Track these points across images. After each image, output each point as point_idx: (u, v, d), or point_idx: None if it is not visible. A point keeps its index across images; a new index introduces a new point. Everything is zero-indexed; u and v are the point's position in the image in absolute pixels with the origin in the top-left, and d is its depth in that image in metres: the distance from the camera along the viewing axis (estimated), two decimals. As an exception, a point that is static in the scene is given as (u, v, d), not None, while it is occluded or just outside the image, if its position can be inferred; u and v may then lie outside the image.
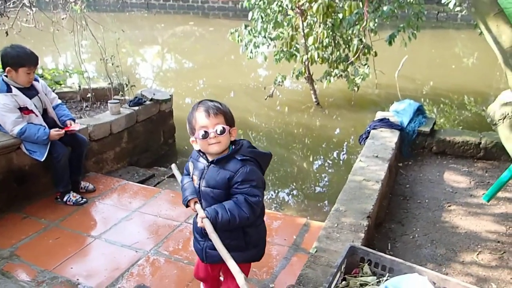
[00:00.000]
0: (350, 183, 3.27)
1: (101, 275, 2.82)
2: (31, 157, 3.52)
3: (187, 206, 2.05)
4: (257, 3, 6.99)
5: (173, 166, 2.48)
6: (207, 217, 1.88)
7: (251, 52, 7.18)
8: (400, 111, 4.51)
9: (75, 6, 5.16)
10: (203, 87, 10.03)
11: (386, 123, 4.32)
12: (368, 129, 4.38)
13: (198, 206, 1.99)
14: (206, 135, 1.89)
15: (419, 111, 4.55)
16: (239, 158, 1.92)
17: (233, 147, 1.97)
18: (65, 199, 3.68)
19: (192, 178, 2.07)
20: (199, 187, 2.00)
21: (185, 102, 8.31)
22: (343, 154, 6.33)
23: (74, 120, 3.82)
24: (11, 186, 3.60)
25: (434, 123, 4.54)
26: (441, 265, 2.77)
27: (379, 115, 4.65)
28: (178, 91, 9.27)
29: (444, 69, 11.12)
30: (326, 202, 4.97)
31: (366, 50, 6.45)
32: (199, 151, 2.01)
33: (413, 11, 6.50)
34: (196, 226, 2.05)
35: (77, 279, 2.78)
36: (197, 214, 1.97)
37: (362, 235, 2.59)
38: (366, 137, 4.21)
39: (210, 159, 1.98)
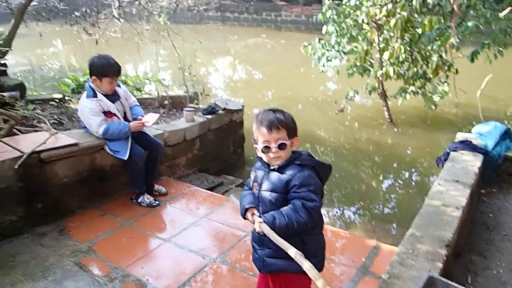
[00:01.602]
0: (427, 208, 3.10)
1: (169, 278, 2.89)
2: (115, 157, 3.72)
3: (245, 217, 2.06)
4: (332, 17, 6.93)
5: (232, 196, 2.60)
6: (264, 221, 1.89)
7: (323, 65, 7.13)
8: (484, 134, 4.23)
9: (158, 19, 5.41)
10: (271, 98, 10.10)
11: (468, 145, 4.07)
12: (448, 150, 4.14)
13: (255, 215, 2.01)
14: (267, 150, 1.95)
15: (506, 135, 4.24)
16: (297, 163, 1.96)
17: (293, 155, 2.00)
18: (139, 200, 3.84)
19: (252, 185, 2.10)
20: (258, 192, 2.03)
21: (253, 113, 8.39)
22: (416, 175, 6.07)
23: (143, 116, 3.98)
24: (93, 184, 3.81)
25: (523, 148, 4.22)
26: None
27: (460, 136, 4.39)
28: (248, 101, 9.37)
29: (531, 90, 10.38)
30: (394, 224, 4.77)
31: (446, 67, 6.17)
32: (261, 158, 2.05)
33: (501, 26, 6.13)
34: (254, 236, 2.08)
35: (147, 279, 2.86)
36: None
37: (440, 264, 2.43)
38: (445, 159, 3.98)
39: (271, 166, 2.02)
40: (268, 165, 2.03)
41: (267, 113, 1.97)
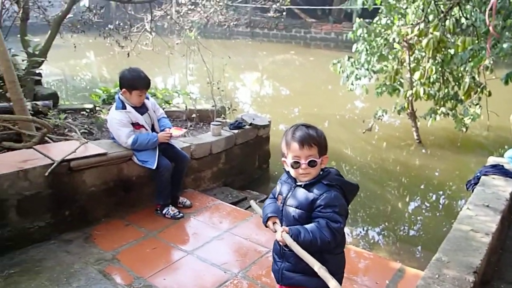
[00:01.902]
0: (455, 232, 3.02)
1: (190, 291, 2.89)
2: (143, 167, 3.78)
3: (266, 224, 2.07)
4: (362, 35, 6.91)
5: (252, 202, 2.61)
6: (288, 233, 1.89)
7: (351, 84, 7.09)
8: (517, 159, 4.12)
9: (190, 33, 5.51)
10: (298, 115, 10.09)
11: (500, 170, 3.95)
12: (478, 174, 4.03)
13: (277, 225, 2.01)
14: (297, 165, 1.94)
15: (539, 160, 4.11)
16: (325, 183, 1.95)
17: (321, 173, 1.99)
18: (164, 211, 3.87)
19: (277, 197, 2.10)
20: (283, 205, 2.03)
21: (279, 129, 8.40)
22: (444, 198, 5.93)
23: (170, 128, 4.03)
24: (119, 194, 3.87)
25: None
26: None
27: (492, 160, 4.28)
28: (274, 117, 9.38)
29: None
30: (420, 247, 4.66)
31: (479, 89, 6.05)
32: (288, 171, 2.04)
33: (538, 48, 5.98)
34: (275, 247, 2.08)
35: (168, 291, 2.87)
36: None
37: (467, 291, 2.36)
38: (476, 183, 3.88)
39: (298, 182, 2.01)
40: (295, 180, 2.03)
41: (300, 128, 1.97)
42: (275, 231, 1.98)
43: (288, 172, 2.05)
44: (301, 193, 1.98)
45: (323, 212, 1.90)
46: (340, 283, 2.05)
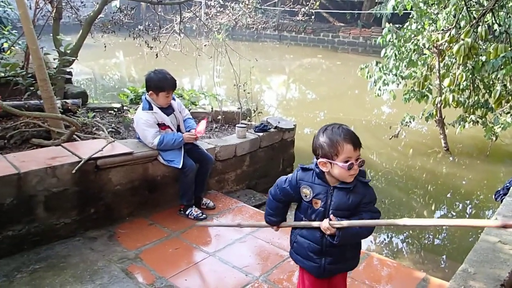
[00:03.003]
0: (482, 243, 2.94)
1: (212, 293, 2.89)
2: (169, 166, 3.81)
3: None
4: (392, 40, 6.83)
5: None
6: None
7: (379, 89, 7.01)
8: (549, 170, 3.99)
9: (218, 35, 5.55)
10: (323, 119, 10.03)
11: (530, 181, 3.85)
12: (508, 185, 3.93)
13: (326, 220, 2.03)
14: (351, 166, 1.96)
15: None
16: (362, 181, 2.07)
17: None
18: (187, 212, 3.89)
19: (312, 201, 2.09)
20: (325, 210, 2.05)
21: (304, 132, 8.36)
22: (471, 208, 5.79)
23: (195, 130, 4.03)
24: (143, 193, 3.91)
25: None
26: None
27: (522, 171, 4.16)
28: (299, 120, 9.38)
29: None
30: (444, 256, 4.57)
31: (510, 97, 5.88)
32: (320, 173, 2.06)
33: None
34: (311, 247, 2.12)
35: (189, 292, 2.88)
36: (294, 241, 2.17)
37: (494, 304, 2.29)
38: (505, 194, 3.78)
39: (331, 183, 2.05)
40: (327, 181, 2.06)
41: (346, 130, 2.01)
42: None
43: (319, 174, 2.06)
44: (346, 196, 2.03)
45: (367, 207, 2.06)
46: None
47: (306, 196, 2.11)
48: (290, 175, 2.20)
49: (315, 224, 2.06)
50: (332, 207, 2.03)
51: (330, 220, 1.99)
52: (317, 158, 2.04)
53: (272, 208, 2.27)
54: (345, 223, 1.96)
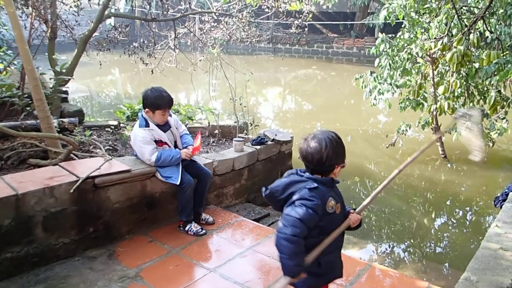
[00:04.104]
0: (483, 251, 2.94)
1: (213, 309, 2.87)
2: (167, 183, 3.80)
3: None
4: (385, 50, 6.88)
5: None
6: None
7: (374, 98, 7.04)
8: (547, 174, 4.00)
9: (212, 50, 5.58)
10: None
11: (529, 186, 3.86)
12: (507, 191, 3.94)
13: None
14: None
15: None
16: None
17: None
18: (186, 228, 3.87)
19: (335, 208, 2.12)
20: (343, 208, 2.20)
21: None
22: (470, 215, 5.78)
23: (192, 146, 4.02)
24: (142, 210, 3.89)
25: None
26: None
27: (520, 176, 4.17)
28: (296, 131, 9.40)
29: None
30: (447, 264, 4.55)
31: (505, 103, 5.92)
32: (330, 180, 2.16)
33: None
34: (334, 258, 2.25)
35: (191, 310, 2.85)
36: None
37: (498, 312, 2.28)
38: (504, 200, 3.79)
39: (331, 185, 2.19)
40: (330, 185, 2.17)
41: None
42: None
43: (332, 180, 2.15)
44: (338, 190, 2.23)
45: None
46: None
47: (332, 207, 2.08)
48: (302, 204, 1.99)
49: (343, 227, 2.15)
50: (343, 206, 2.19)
51: (350, 213, 2.21)
52: (330, 168, 2.13)
53: (297, 252, 1.97)
54: (364, 203, 2.25)
